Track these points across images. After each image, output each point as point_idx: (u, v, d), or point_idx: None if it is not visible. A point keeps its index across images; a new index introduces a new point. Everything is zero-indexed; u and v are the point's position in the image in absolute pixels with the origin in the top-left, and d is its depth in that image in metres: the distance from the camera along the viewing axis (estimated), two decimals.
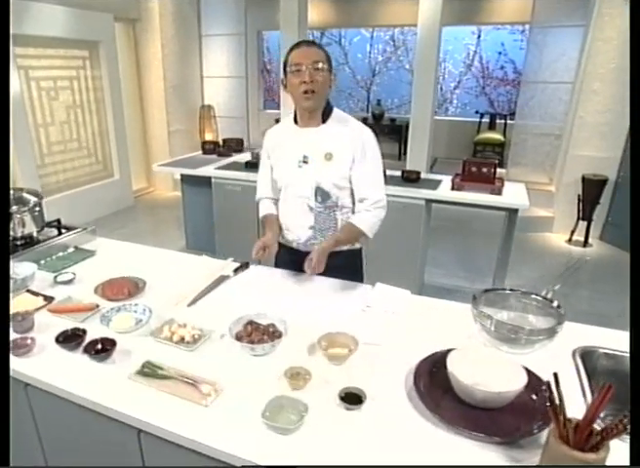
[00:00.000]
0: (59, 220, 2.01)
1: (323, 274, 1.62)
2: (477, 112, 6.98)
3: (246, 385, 1.12)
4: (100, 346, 1.22)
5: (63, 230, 1.96)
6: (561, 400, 0.83)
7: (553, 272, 4.06)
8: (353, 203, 1.67)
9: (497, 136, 6.52)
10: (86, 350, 1.20)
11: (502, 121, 6.70)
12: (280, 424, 0.96)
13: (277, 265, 1.82)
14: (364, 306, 1.49)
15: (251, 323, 1.27)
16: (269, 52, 8.68)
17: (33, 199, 1.81)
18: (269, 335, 1.23)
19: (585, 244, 4.62)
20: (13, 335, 1.28)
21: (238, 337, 1.23)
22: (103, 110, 4.97)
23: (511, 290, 1.37)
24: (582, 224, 4.58)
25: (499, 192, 3.02)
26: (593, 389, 1.13)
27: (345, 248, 1.70)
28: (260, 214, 1.81)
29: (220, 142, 4.27)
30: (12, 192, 1.77)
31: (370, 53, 8.74)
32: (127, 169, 5.36)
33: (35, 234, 1.84)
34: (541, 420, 0.99)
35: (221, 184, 3.54)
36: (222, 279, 1.68)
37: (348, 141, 1.58)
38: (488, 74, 8.33)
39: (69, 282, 1.62)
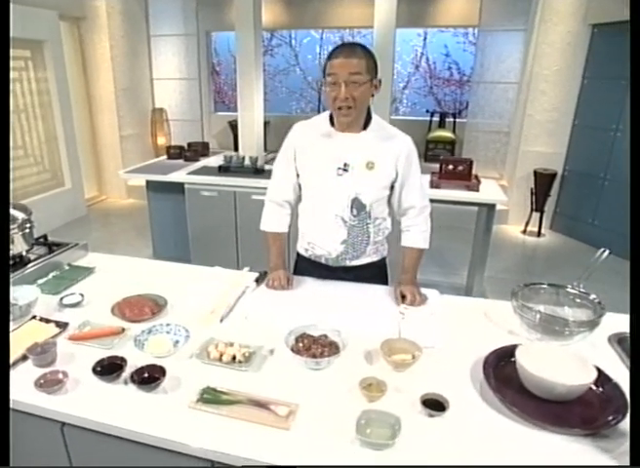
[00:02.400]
0: (45, 236, 1.82)
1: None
2: (427, 111, 7.21)
3: (318, 402, 1.07)
4: (146, 375, 1.11)
5: (54, 247, 1.77)
6: None
7: (516, 262, 4.30)
8: (389, 213, 1.63)
9: (447, 134, 6.77)
10: (132, 380, 1.09)
11: (452, 119, 6.97)
12: (377, 440, 0.92)
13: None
14: (401, 308, 1.48)
15: (306, 336, 1.22)
16: (217, 53, 8.46)
17: (22, 215, 1.62)
18: (329, 347, 1.18)
19: (539, 234, 4.92)
20: (37, 371, 1.14)
21: (295, 351, 1.17)
22: (50, 115, 4.58)
23: (550, 284, 1.42)
24: (536, 215, 4.88)
25: (476, 189, 3.13)
26: None
27: (373, 259, 1.67)
28: (268, 227, 1.69)
29: (186, 146, 4.09)
30: None
31: (320, 54, 8.77)
32: (78, 177, 4.99)
33: (25, 253, 1.65)
34: (615, 410, 1.03)
35: (196, 190, 3.39)
36: (245, 290, 1.60)
37: (391, 150, 1.50)
38: (435, 75, 8.66)
39: (78, 304, 1.47)
